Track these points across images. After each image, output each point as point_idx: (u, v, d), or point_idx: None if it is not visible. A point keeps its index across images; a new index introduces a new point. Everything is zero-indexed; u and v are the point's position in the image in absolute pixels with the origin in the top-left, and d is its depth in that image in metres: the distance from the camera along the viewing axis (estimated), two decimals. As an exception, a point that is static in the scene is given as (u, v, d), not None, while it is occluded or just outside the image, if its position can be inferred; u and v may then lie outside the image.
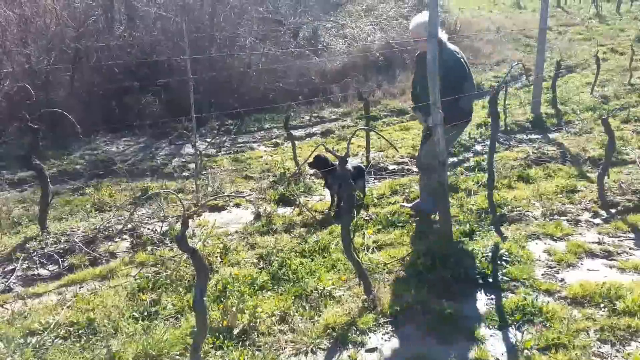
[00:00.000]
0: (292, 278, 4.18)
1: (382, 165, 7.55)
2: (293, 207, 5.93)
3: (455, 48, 5.18)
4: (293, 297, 3.88)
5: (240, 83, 11.71)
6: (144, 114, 10.39)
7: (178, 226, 5.21)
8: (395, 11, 19.54)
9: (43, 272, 4.68)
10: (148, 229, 5.44)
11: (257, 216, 5.72)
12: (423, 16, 5.10)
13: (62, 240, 5.12)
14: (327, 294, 3.92)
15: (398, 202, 5.87)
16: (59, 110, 5.31)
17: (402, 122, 10.45)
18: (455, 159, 7.45)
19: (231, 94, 11.38)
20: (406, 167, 7.39)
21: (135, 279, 4.25)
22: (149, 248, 4.98)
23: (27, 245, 5.03)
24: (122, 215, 5.85)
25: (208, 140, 9.62)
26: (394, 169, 7.43)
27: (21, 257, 4.80)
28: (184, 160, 8.66)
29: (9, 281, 4.51)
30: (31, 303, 4.08)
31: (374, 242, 4.82)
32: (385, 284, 4.04)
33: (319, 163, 5.71)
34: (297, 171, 6.90)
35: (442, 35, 5.08)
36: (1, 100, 9.46)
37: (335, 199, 5.74)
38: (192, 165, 8.05)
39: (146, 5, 11.77)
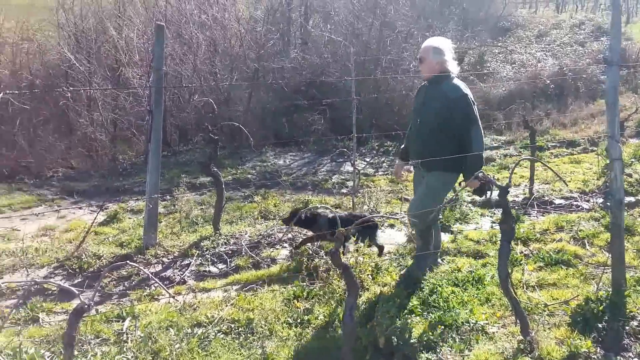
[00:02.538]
0: (442, 306, 4.03)
1: (547, 198, 7.00)
2: (446, 233, 5.75)
3: (461, 84, 4.40)
4: (442, 327, 3.73)
5: (402, 105, 11.75)
6: (310, 131, 10.94)
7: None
8: (569, 37, 18.18)
9: (213, 269, 5.10)
10: (305, 240, 5.66)
11: (410, 239, 5.64)
12: (439, 39, 4.66)
13: (231, 242, 5.55)
14: (480, 328, 3.70)
15: (563, 240, 5.37)
16: (237, 124, 5.77)
17: (573, 154, 9.62)
18: (632, 199, 6.62)
19: (392, 115, 11.47)
20: (575, 203, 6.75)
21: (292, 287, 4.44)
22: (305, 258, 5.17)
23: (202, 243, 5.52)
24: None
25: (367, 159, 9.79)
26: (561, 203, 6.83)
27: (196, 254, 5.29)
28: (343, 177, 8.90)
29: (184, 274, 4.99)
30: (200, 297, 4.46)
31: (533, 280, 4.46)
32: (545, 327, 3.70)
33: (295, 219, 5.24)
34: (454, 197, 6.68)
35: (452, 65, 4.46)
36: (190, 112, 10.65)
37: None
38: (350, 183, 8.24)
39: (319, 30, 12.43)
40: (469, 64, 14.37)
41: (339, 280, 4.41)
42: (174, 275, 4.98)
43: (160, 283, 3.30)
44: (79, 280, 4.83)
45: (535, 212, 6.54)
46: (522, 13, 24.96)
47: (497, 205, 6.64)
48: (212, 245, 5.48)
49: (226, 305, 4.16)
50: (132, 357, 3.42)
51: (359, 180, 7.86)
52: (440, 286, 4.31)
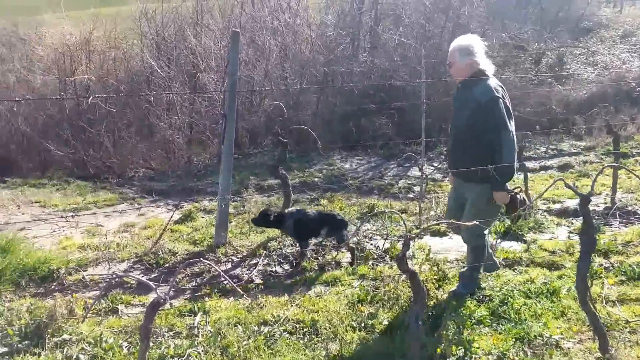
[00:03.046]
0: (513, 318, 3.88)
1: (630, 208, 6.56)
2: (519, 242, 5.54)
3: (494, 84, 4.00)
4: (513, 339, 3.59)
5: (473, 109, 11.42)
6: (377, 135, 10.89)
7: (399, 246, 5.27)
8: (660, 36, 16.99)
9: (279, 269, 5.19)
10: (371, 244, 5.64)
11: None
12: (466, 37, 4.20)
13: (297, 244, 5.62)
14: (554, 343, 3.53)
15: (649, 253, 5.01)
16: (305, 127, 5.83)
17: (660, 161, 8.97)
18: None
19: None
20: (663, 214, 6.29)
21: (356, 290, 4.43)
22: (370, 262, 5.15)
23: (269, 244, 5.63)
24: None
25: (435, 164, 9.61)
26: (647, 214, 6.38)
27: (263, 254, 5.40)
28: (410, 182, 8.78)
29: (252, 273, 5.11)
30: (266, 296, 4.55)
31: (614, 294, 4.19)
32: (626, 345, 3.47)
33: (263, 219, 5.28)
34: (528, 205, 6.41)
35: (486, 64, 4.10)
36: (260, 116, 10.90)
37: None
38: (417, 188, 8.12)
39: (389, 33, 12.35)
40: (547, 66, 13.76)
41: (404, 287, 4.36)
42: (243, 274, 5.11)
43: (230, 281, 3.41)
44: (156, 274, 5.06)
45: (618, 222, 6.15)
46: (605, 12, 23.59)
47: (577, 214, 6.32)
48: (279, 246, 5.57)
49: (291, 306, 4.21)
50: (202, 351, 3.54)
51: (426, 185, 7.72)
52: (511, 297, 4.15)
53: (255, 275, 5.09)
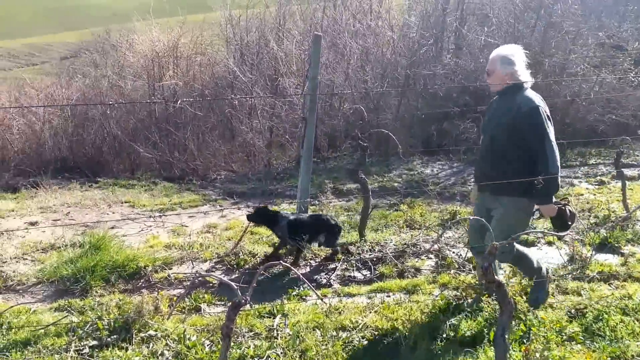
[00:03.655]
0: (609, 336, 3.66)
1: None
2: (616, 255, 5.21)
3: (535, 95, 3.95)
4: (608, 358, 3.38)
5: (565, 113, 10.90)
6: (461, 140, 10.63)
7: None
8: None
9: (357, 275, 5.21)
10: (453, 252, 5.53)
11: (571, 259, 5.20)
12: (509, 47, 4.18)
13: (376, 250, 5.62)
14: (655, 365, 3.30)
15: None
16: (386, 131, 5.83)
17: None
18: None
19: (554, 124, 10.65)
20: None
21: (437, 299, 4.36)
22: (452, 271, 5.04)
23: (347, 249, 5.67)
24: (430, 235, 6.09)
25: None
26: None
27: (341, 259, 5.45)
28: (495, 188, 8.49)
29: (330, 278, 5.17)
30: (345, 301, 4.59)
31: None
32: None
33: (260, 215, 5.44)
34: (627, 215, 6.02)
35: (524, 75, 4.02)
36: (340, 120, 11.00)
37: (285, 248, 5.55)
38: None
39: (475, 33, 12.03)
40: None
41: (488, 298, 4.23)
42: (321, 278, 5.18)
43: (309, 284, 3.47)
44: (236, 275, 5.25)
45: None
46: None
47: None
48: (357, 252, 5.59)
49: (370, 312, 4.21)
50: (281, 353, 3.63)
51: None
52: (606, 313, 3.92)
53: (334, 280, 5.14)
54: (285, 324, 4.05)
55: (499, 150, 4.02)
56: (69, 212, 7.65)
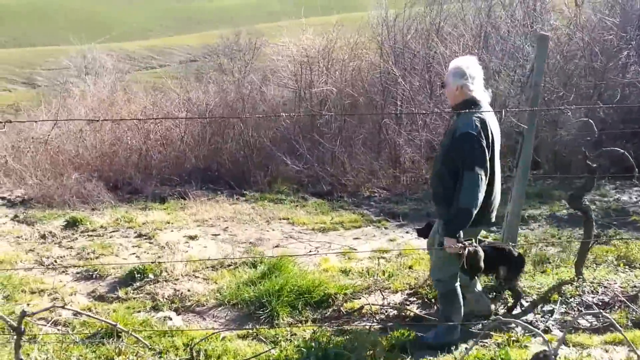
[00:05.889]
0: None
1: None
2: None
3: (478, 117, 4.01)
4: None
5: None
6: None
7: None
8: None
9: (582, 321, 4.87)
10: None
11: None
12: (463, 58, 4.31)
13: (599, 291, 5.25)
14: None
15: None
16: (621, 150, 5.50)
17: None
18: None
19: None
20: None
21: None
22: None
23: (562, 288, 5.34)
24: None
25: None
26: None
27: (559, 300, 5.14)
28: None
29: (547, 322, 4.88)
30: (576, 354, 4.29)
31: None
32: None
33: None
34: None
35: (478, 91, 4.14)
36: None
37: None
38: None
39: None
40: None
41: None
42: (536, 321, 4.92)
43: (532, 327, 3.28)
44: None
45: None
46: None
47: None
48: (577, 292, 5.25)
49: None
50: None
51: None
52: None
53: (552, 325, 4.86)
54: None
55: (437, 173, 4.34)
56: (227, 227, 8.03)
